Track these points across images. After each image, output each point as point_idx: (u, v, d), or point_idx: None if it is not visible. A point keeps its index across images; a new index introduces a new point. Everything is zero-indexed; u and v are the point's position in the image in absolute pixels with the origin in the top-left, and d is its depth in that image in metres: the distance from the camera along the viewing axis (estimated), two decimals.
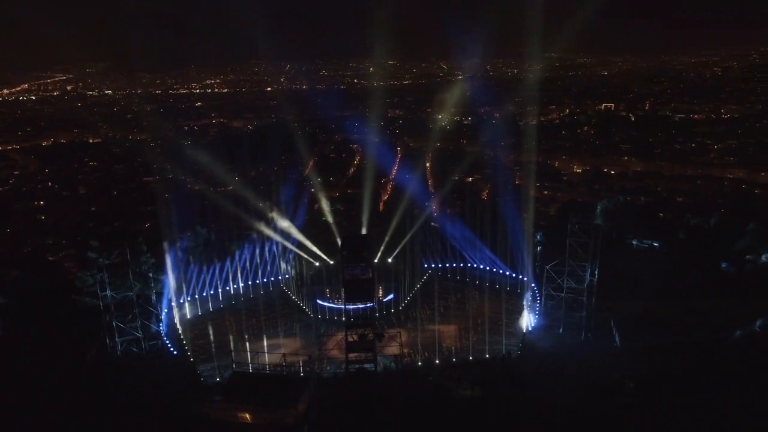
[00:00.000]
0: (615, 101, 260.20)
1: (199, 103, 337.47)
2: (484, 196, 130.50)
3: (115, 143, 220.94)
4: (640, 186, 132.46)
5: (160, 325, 56.21)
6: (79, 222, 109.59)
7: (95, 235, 60.22)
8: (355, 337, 46.11)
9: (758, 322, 46.43)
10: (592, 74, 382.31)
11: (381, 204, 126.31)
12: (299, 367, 46.88)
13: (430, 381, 44.20)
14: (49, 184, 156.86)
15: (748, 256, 56.48)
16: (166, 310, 57.24)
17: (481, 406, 39.34)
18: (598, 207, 64.09)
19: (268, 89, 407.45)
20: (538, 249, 61.06)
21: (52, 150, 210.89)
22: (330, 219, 74.57)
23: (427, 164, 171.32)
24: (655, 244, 47.61)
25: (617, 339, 49.14)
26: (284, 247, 66.79)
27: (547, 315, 54.37)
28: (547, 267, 53.44)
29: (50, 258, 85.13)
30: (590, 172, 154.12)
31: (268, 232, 68.24)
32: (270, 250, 67.29)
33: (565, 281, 51.81)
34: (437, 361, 49.30)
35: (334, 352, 50.00)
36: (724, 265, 57.66)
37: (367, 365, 45.28)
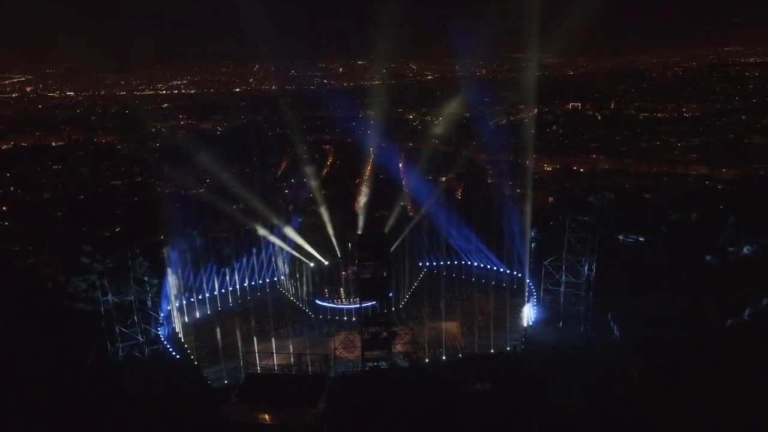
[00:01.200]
0: (581, 101, 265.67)
1: (165, 105, 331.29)
2: (459, 195, 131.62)
3: (79, 146, 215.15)
4: (609, 183, 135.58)
5: (161, 329, 55.30)
6: (49, 227, 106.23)
7: (89, 240, 58.81)
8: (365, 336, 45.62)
9: (747, 311, 48.43)
10: (559, 74, 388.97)
11: (356, 204, 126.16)
12: (309, 366, 46.81)
13: (442, 377, 44.45)
14: (12, 188, 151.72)
15: (730, 249, 58.50)
16: (163, 315, 56.13)
17: (491, 401, 39.83)
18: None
19: (237, 90, 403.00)
20: (532, 245, 62.04)
21: (12, 153, 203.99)
22: (326, 218, 73.80)
23: (400, 164, 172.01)
24: (641, 239, 48.88)
25: (616, 331, 50.27)
26: (279, 248, 66.02)
27: (546, 310, 55.29)
28: (545, 262, 54.34)
29: (17, 264, 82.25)
30: (560, 171, 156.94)
31: (259, 233, 67.40)
32: (264, 252, 66.40)
33: (563, 276, 52.82)
34: (444, 358, 49.63)
35: (343, 352, 49.92)
36: (708, 257, 59.49)
37: (381, 363, 45.16)
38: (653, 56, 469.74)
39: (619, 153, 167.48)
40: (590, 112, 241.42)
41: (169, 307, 57.36)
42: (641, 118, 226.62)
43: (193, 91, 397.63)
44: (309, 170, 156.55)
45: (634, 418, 36.23)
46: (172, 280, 57.66)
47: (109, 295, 49.54)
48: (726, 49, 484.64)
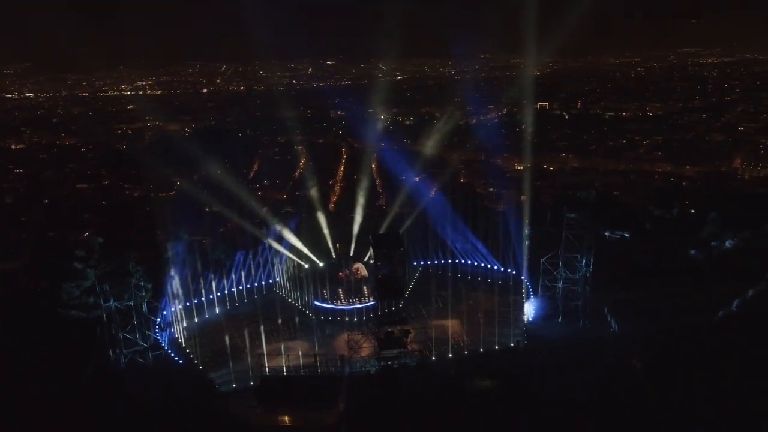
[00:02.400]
0: (549, 100, 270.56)
1: (131, 106, 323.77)
2: (432, 193, 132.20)
3: (41, 149, 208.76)
4: (579, 182, 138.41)
5: (164, 334, 54.22)
6: (13, 233, 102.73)
7: (83, 244, 57.22)
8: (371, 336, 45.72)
9: (735, 303, 50.11)
10: (526, 74, 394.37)
11: (331, 205, 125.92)
12: (320, 368, 46.50)
13: (450, 375, 44.96)
14: None
15: (713, 243, 60.43)
16: (160, 320, 55.02)
17: (500, 397, 40.34)
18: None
19: (204, 91, 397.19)
20: (526, 243, 62.97)
21: None
22: (321, 219, 73.18)
23: (373, 165, 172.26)
24: (626, 235, 50.27)
25: (613, 325, 51.48)
26: (274, 250, 65.31)
27: (543, 306, 56.20)
28: (543, 260, 55.34)
29: None
30: (531, 169, 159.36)
31: (253, 235, 66.51)
32: (258, 254, 65.51)
33: (562, 272, 53.87)
34: (450, 355, 49.89)
35: (358, 352, 49.87)
36: (693, 252, 61.17)
37: (395, 362, 45.26)
38: (616, 57, 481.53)
39: (587, 151, 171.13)
40: (558, 112, 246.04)
41: (165, 312, 56.19)
42: (607, 117, 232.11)
43: (159, 92, 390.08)
44: (282, 171, 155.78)
45: (640, 407, 37.26)
46: (169, 284, 56.77)
47: (111, 301, 48.54)
48: (685, 49, 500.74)
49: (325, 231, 69.68)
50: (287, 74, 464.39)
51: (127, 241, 61.37)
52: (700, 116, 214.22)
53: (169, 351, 52.55)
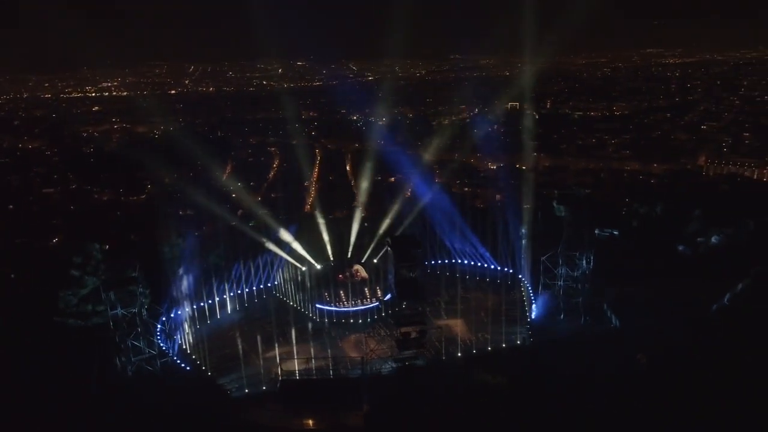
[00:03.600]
0: (519, 100, 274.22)
1: (96, 108, 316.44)
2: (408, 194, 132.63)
3: (2, 153, 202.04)
4: (551, 180, 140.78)
5: (169, 341, 52.98)
6: None
7: (80, 251, 55.58)
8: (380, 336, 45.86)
9: (727, 296, 51.72)
10: (496, 75, 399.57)
11: (307, 206, 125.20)
12: (332, 370, 46.35)
13: (462, 373, 45.30)
14: None
15: (699, 239, 62.26)
16: (160, 327, 53.79)
17: (512, 394, 40.86)
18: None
19: (172, 92, 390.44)
20: (523, 242, 63.65)
21: None
22: (323, 225, 72.48)
23: (347, 165, 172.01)
24: (615, 232, 51.44)
25: (614, 321, 52.56)
26: (271, 253, 64.47)
27: (545, 303, 56.91)
28: (543, 258, 56.13)
29: None
30: (504, 168, 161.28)
31: (245, 239, 65.55)
32: (253, 257, 64.56)
33: (563, 269, 54.78)
34: (459, 354, 50.12)
35: (354, 353, 49.82)
36: (680, 248, 62.81)
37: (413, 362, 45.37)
38: (583, 58, 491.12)
39: (558, 150, 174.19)
40: (528, 111, 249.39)
41: (166, 318, 55.02)
42: (576, 116, 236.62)
43: (125, 93, 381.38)
44: (255, 173, 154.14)
45: (648, 401, 38.23)
46: (170, 290, 55.75)
47: (119, 309, 47.48)
48: (648, 50, 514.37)
49: (323, 233, 69.38)
50: (257, 75, 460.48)
51: (131, 247, 60.08)
52: (665, 115, 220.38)
53: (175, 358, 51.50)
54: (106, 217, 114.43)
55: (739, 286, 51.38)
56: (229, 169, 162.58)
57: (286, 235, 65.94)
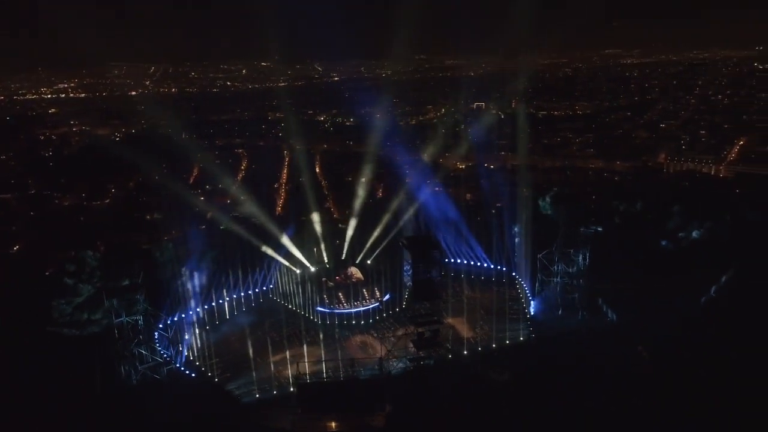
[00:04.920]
0: (485, 100, 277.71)
1: (53, 110, 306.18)
2: (379, 194, 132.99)
3: None
4: (521, 179, 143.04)
5: (172, 348, 51.83)
6: None
7: (73, 259, 53.54)
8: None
9: (713, 288, 53.85)
10: (461, 75, 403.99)
11: (277, 208, 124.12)
12: (342, 371, 46.09)
13: (476, 371, 45.75)
14: None
15: (680, 234, 63.99)
16: (163, 333, 52.34)
17: (521, 389, 41.60)
18: (546, 198, 69.75)
19: (133, 93, 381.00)
20: (516, 241, 64.39)
21: None
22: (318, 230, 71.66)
23: (317, 167, 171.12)
24: (599, 229, 52.89)
25: (610, 315, 53.74)
26: (267, 257, 63.52)
27: (543, 300, 58.00)
28: (540, 255, 57.03)
29: None
30: (473, 168, 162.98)
31: (236, 242, 64.47)
32: (248, 261, 63.44)
33: (559, 267, 55.79)
34: (465, 352, 50.42)
35: (358, 353, 49.88)
36: (663, 243, 64.48)
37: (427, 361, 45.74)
38: (544, 58, 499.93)
39: (524, 149, 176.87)
40: (494, 111, 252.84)
41: (161, 325, 53.59)
42: (540, 116, 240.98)
43: (83, 95, 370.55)
44: (223, 176, 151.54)
45: (651, 392, 39.59)
46: (169, 295, 54.66)
47: (123, 316, 46.45)
48: (607, 51, 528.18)
49: (318, 236, 68.97)
50: (220, 76, 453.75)
51: (127, 253, 58.36)
52: (626, 114, 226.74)
53: (178, 365, 50.55)
54: (70, 222, 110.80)
55: (723, 278, 53.51)
56: (195, 171, 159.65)
57: (281, 239, 65.50)
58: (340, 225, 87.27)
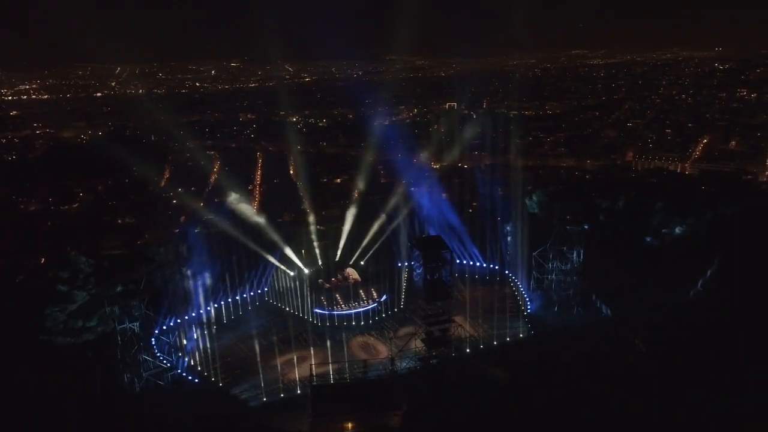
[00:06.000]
0: (456, 100, 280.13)
1: (14, 112, 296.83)
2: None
3: None
4: (497, 178, 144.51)
5: (176, 354, 50.61)
6: None
7: (66, 266, 51.76)
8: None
9: (700, 282, 55.40)
10: (431, 75, 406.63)
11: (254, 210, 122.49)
12: (348, 373, 46.06)
13: (480, 369, 46.18)
14: None
15: (664, 230, 65.72)
16: (165, 339, 51.16)
17: (520, 386, 42.13)
18: (534, 197, 70.72)
19: (98, 94, 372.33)
20: (508, 239, 64.85)
21: None
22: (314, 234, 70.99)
23: (290, 168, 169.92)
24: (586, 227, 53.89)
25: (604, 310, 54.74)
26: (262, 259, 62.60)
27: (539, 297, 58.82)
28: (534, 253, 57.76)
29: None
30: (447, 168, 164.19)
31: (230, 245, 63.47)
32: (243, 264, 62.48)
33: (555, 264, 56.69)
34: (468, 350, 50.64)
35: (362, 354, 49.86)
36: (648, 239, 66.09)
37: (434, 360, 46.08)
38: (513, 58, 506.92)
39: (497, 149, 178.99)
40: (466, 111, 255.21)
41: (157, 331, 52.36)
42: (511, 115, 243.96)
43: (46, 97, 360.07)
44: (196, 178, 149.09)
45: (650, 383, 40.48)
46: (166, 300, 53.66)
47: (127, 323, 45.61)
48: (574, 51, 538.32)
49: (313, 238, 68.54)
50: (189, 76, 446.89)
51: (136, 259, 56.92)
52: (594, 113, 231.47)
53: (179, 371, 49.56)
54: (38, 227, 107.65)
55: (708, 272, 55.21)
56: (167, 174, 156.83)
57: (272, 240, 64.97)
58: (319, 227, 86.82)
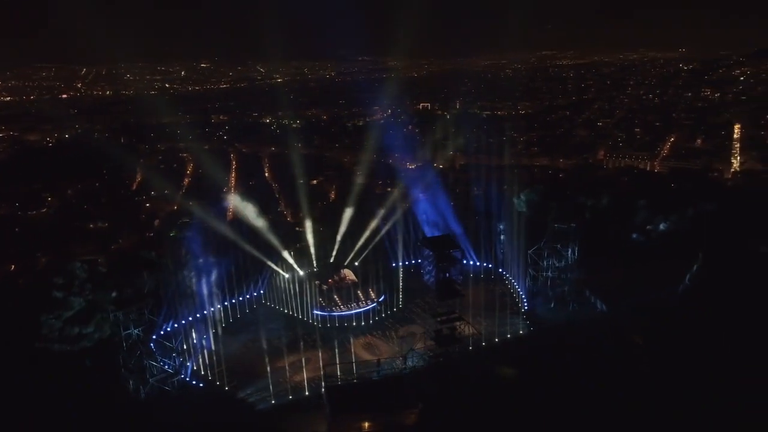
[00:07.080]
0: (430, 101, 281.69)
1: None
2: (333, 196, 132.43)
3: None
4: (471, 177, 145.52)
5: (179, 359, 49.49)
6: None
7: (61, 272, 50.25)
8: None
9: (687, 277, 56.52)
10: (404, 76, 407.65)
11: (228, 214, 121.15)
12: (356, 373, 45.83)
13: (484, 366, 46.28)
14: None
15: (648, 227, 67.02)
16: (168, 344, 49.96)
17: (530, 381, 42.48)
18: (522, 197, 71.34)
19: (64, 96, 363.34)
20: (502, 237, 65.11)
21: None
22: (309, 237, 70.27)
23: (265, 170, 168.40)
24: (573, 225, 54.67)
25: (599, 305, 55.43)
26: (258, 261, 61.72)
27: (535, 294, 59.10)
28: (530, 251, 58.21)
29: None
30: (422, 168, 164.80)
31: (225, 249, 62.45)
32: (239, 266, 61.61)
33: (549, 261, 57.20)
34: (470, 347, 50.49)
35: (365, 354, 49.97)
36: (634, 236, 67.22)
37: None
38: (484, 59, 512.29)
39: (471, 149, 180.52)
40: (440, 112, 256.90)
41: (154, 336, 51.16)
42: (484, 115, 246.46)
43: (8, 99, 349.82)
44: (169, 181, 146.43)
45: (650, 376, 41.56)
46: (165, 304, 52.75)
47: (132, 328, 44.88)
48: (544, 52, 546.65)
49: (309, 240, 67.94)
50: (158, 77, 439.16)
51: (141, 264, 55.52)
52: (565, 113, 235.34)
53: (183, 375, 48.81)
54: (3, 233, 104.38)
55: (695, 267, 56.54)
56: (139, 177, 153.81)
57: (267, 243, 64.32)
58: (297, 228, 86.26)
